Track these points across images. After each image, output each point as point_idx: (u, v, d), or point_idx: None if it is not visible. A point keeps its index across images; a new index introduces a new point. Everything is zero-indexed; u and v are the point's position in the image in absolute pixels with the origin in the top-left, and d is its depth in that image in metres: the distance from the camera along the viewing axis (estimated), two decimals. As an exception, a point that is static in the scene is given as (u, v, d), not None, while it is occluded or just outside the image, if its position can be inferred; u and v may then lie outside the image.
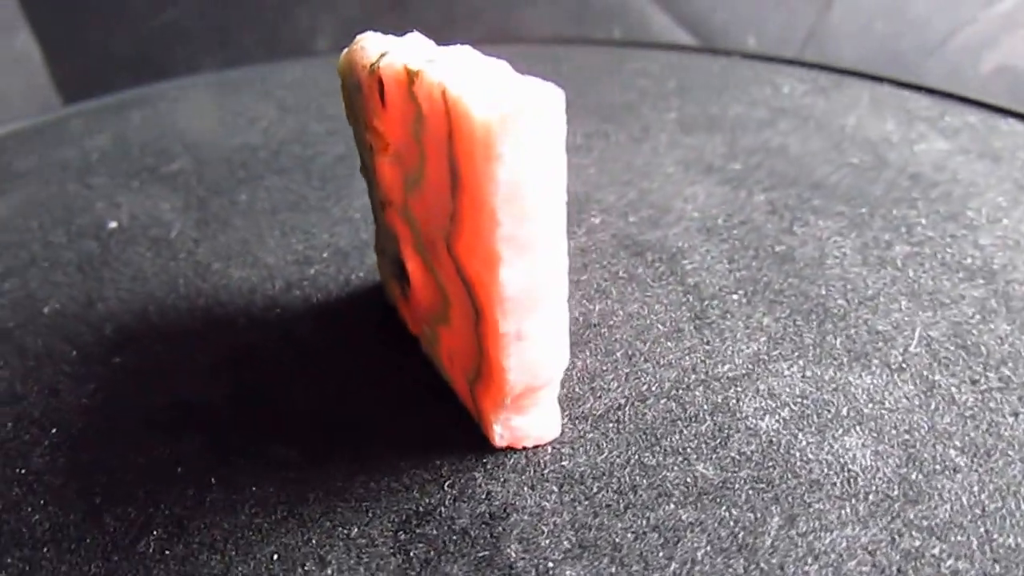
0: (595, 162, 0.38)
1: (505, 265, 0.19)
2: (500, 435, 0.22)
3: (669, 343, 0.26)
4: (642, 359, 0.25)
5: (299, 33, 0.57)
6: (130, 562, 0.19)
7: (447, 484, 0.21)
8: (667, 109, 0.43)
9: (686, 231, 0.32)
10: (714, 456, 0.22)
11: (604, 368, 0.25)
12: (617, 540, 0.20)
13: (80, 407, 0.24)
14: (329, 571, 0.19)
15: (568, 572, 0.19)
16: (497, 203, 0.18)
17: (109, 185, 0.37)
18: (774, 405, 0.23)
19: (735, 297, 0.28)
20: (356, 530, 0.20)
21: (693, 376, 0.25)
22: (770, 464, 0.21)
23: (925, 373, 0.24)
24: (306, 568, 0.19)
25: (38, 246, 0.33)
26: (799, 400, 0.24)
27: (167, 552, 0.20)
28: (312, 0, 0.57)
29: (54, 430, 0.23)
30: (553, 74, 0.22)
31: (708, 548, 0.19)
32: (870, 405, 0.23)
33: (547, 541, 0.20)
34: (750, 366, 0.25)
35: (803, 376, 0.24)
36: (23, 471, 0.22)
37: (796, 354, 0.25)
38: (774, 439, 0.22)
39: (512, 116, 0.17)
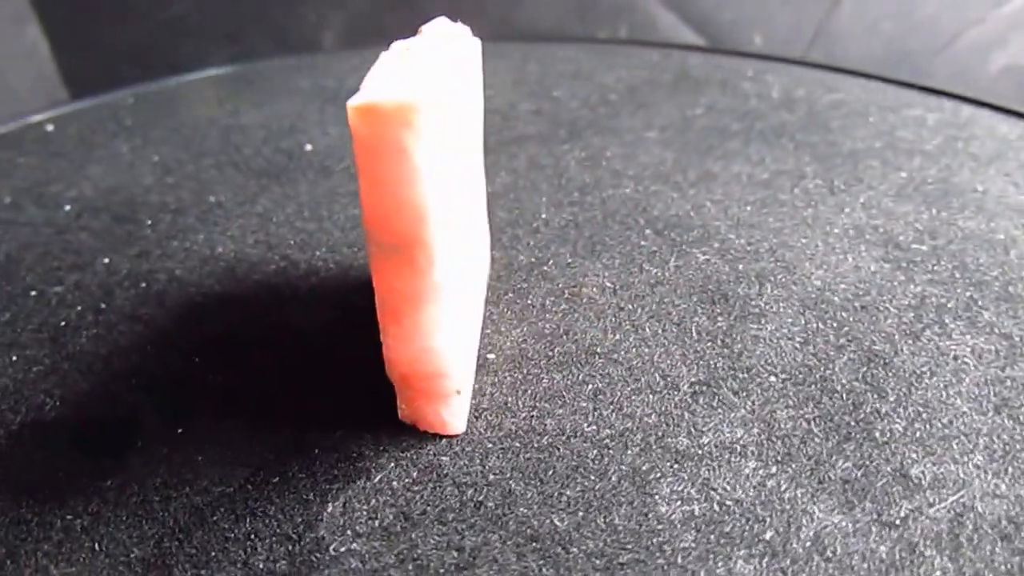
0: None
1: (372, 259, 0.20)
2: (401, 408, 0.23)
3: (651, 395, 0.25)
4: (604, 401, 0.25)
5: (306, 29, 0.57)
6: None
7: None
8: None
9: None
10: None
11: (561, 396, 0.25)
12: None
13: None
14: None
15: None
16: (362, 199, 0.19)
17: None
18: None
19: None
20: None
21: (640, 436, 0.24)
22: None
23: None
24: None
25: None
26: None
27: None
28: None
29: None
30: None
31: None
32: None
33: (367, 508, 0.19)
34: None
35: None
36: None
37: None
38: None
39: (369, 113, 0.18)
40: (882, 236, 0.32)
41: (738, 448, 0.22)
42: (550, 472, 0.22)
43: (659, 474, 0.22)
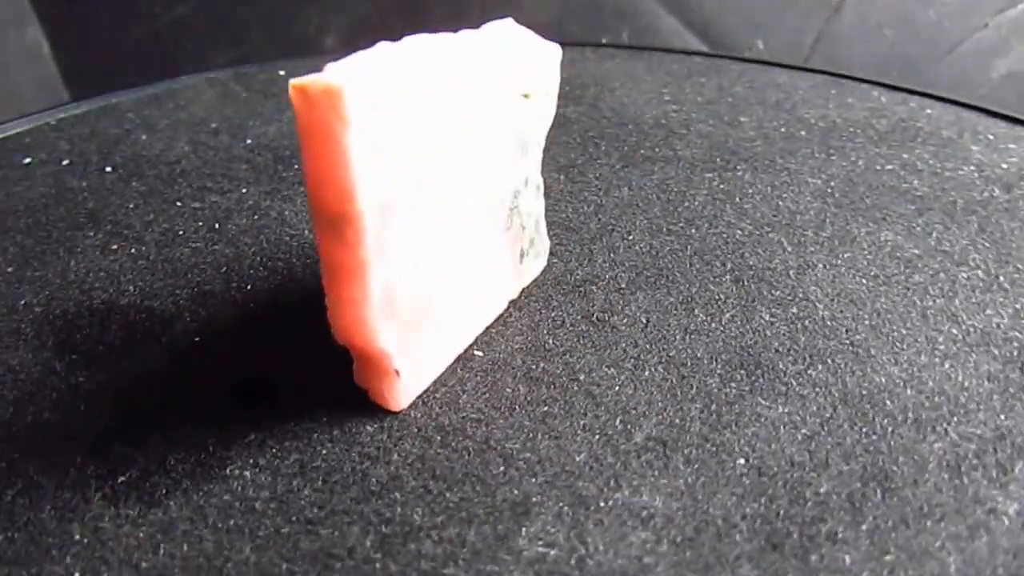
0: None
1: (317, 231, 0.21)
2: (355, 368, 0.24)
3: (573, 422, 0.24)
4: (548, 427, 0.24)
5: (308, 31, 0.58)
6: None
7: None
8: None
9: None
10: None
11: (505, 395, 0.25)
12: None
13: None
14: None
15: None
16: (303, 170, 0.20)
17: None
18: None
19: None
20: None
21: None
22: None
23: None
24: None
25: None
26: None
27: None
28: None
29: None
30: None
31: None
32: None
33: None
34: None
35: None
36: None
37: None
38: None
39: (303, 94, 0.19)
40: (1016, 350, 0.26)
41: (643, 515, 0.21)
42: (446, 473, 0.22)
43: (544, 511, 0.21)
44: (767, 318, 0.28)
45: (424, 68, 0.21)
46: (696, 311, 0.29)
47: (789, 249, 0.32)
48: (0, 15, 0.58)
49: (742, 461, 0.23)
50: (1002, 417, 0.24)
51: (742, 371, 0.26)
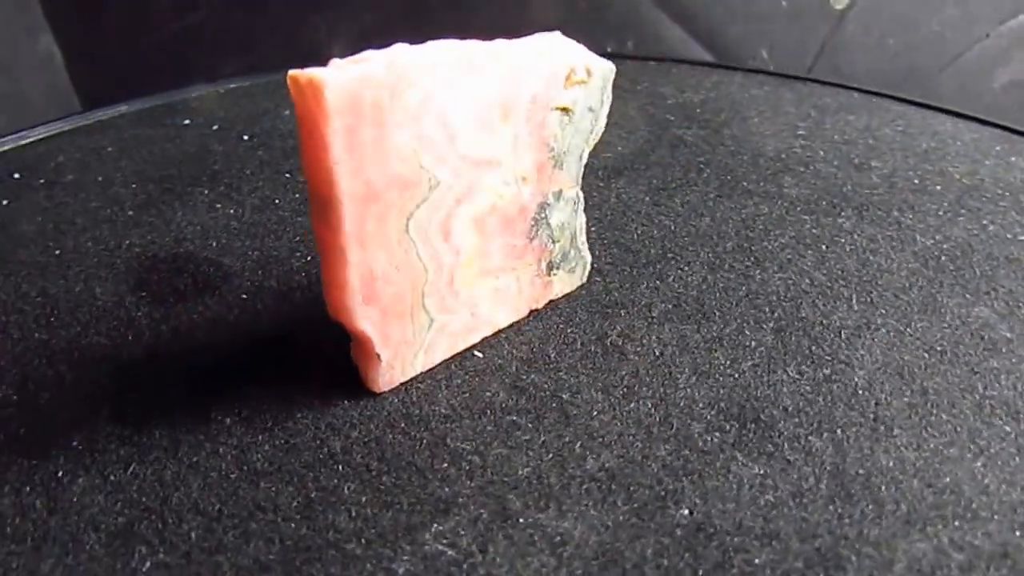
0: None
1: (310, 211, 0.23)
2: (351, 345, 0.25)
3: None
4: (503, 440, 0.24)
5: (317, 40, 0.59)
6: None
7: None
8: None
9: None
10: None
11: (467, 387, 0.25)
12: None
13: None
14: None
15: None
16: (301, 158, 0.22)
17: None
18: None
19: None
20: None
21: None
22: None
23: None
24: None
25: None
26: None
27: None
28: (330, 7, 0.59)
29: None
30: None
31: None
32: None
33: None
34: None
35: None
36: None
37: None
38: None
39: (295, 84, 0.21)
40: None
41: (555, 540, 0.21)
42: (392, 458, 0.23)
43: (462, 514, 0.22)
44: (792, 374, 0.27)
45: (432, 70, 0.23)
46: (717, 353, 0.27)
47: (855, 308, 0.30)
48: (13, 24, 0.59)
49: (685, 512, 0.22)
50: (1017, 534, 0.21)
51: (734, 423, 0.25)
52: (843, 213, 0.36)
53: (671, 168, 0.40)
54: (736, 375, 0.27)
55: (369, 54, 0.22)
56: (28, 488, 0.22)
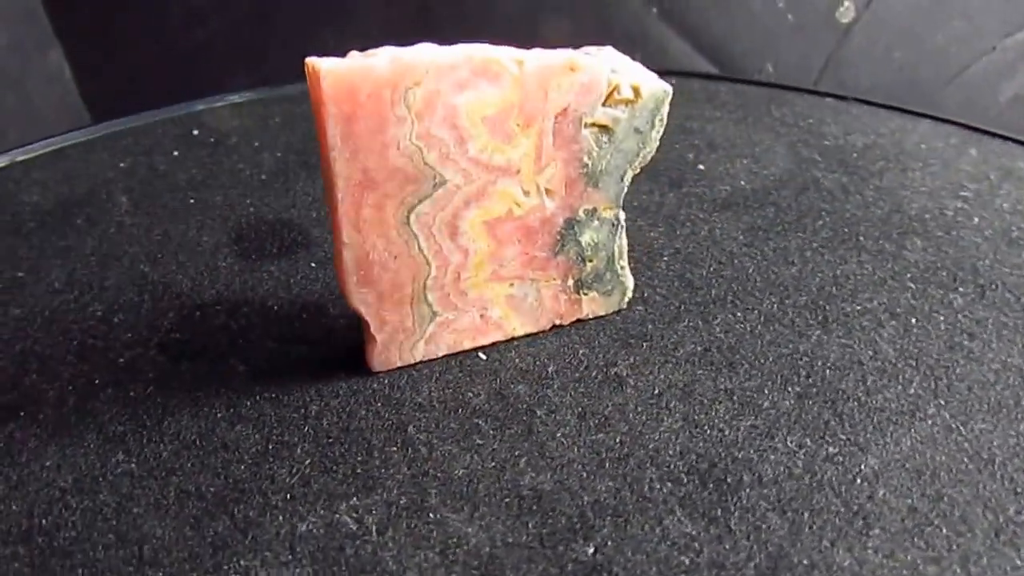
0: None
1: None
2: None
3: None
4: (461, 445, 0.25)
5: (326, 52, 0.56)
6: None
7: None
8: None
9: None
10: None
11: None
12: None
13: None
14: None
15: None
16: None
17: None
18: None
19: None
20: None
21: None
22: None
23: None
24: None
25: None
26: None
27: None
28: (338, 21, 0.61)
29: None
30: None
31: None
32: None
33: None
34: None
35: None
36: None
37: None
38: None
39: (308, 68, 0.23)
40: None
41: (450, 542, 0.21)
42: (341, 432, 0.25)
43: (380, 494, 0.23)
44: (790, 444, 0.25)
45: (442, 71, 0.24)
46: (720, 406, 0.26)
47: (911, 392, 0.27)
48: (23, 39, 0.60)
49: (590, 550, 0.21)
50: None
51: (695, 478, 0.23)
52: (960, 289, 0.32)
53: (786, 211, 0.38)
54: (727, 431, 0.25)
55: (386, 50, 0.24)
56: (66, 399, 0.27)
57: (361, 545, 0.22)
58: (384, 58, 0.23)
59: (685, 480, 0.23)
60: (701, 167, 0.42)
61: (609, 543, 0.22)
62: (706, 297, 0.32)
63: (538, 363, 0.28)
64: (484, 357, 0.28)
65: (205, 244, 0.35)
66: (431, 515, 0.22)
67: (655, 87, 0.27)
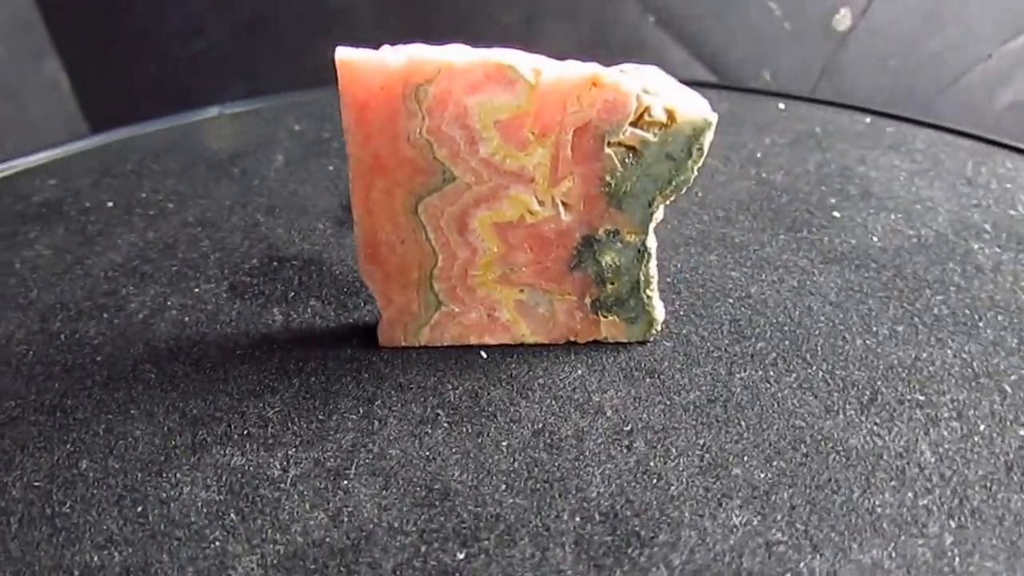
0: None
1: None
2: None
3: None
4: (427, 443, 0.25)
5: (324, 64, 0.50)
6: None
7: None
8: None
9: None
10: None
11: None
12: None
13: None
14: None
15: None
16: None
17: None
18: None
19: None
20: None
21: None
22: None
23: None
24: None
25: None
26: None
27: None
28: (335, 32, 0.61)
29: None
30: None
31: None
32: None
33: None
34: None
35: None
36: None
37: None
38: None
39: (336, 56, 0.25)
40: None
41: (316, 495, 0.23)
42: (318, 391, 0.27)
43: (325, 447, 0.25)
44: (732, 520, 0.23)
45: (455, 73, 0.25)
46: (683, 461, 0.25)
47: (929, 507, 0.23)
48: (21, 50, 0.61)
49: (461, 555, 0.22)
50: None
51: (605, 521, 0.23)
52: (1071, 406, 0.27)
53: (907, 278, 0.33)
54: (675, 487, 0.24)
55: (413, 46, 0.26)
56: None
57: (272, 490, 0.24)
58: (402, 54, 0.25)
59: (597, 520, 0.23)
60: (836, 214, 0.38)
61: (482, 556, 0.22)
62: (748, 349, 0.29)
63: (529, 373, 0.28)
64: (484, 355, 0.29)
65: (318, 207, 0.40)
66: (344, 482, 0.24)
67: (694, 114, 0.26)
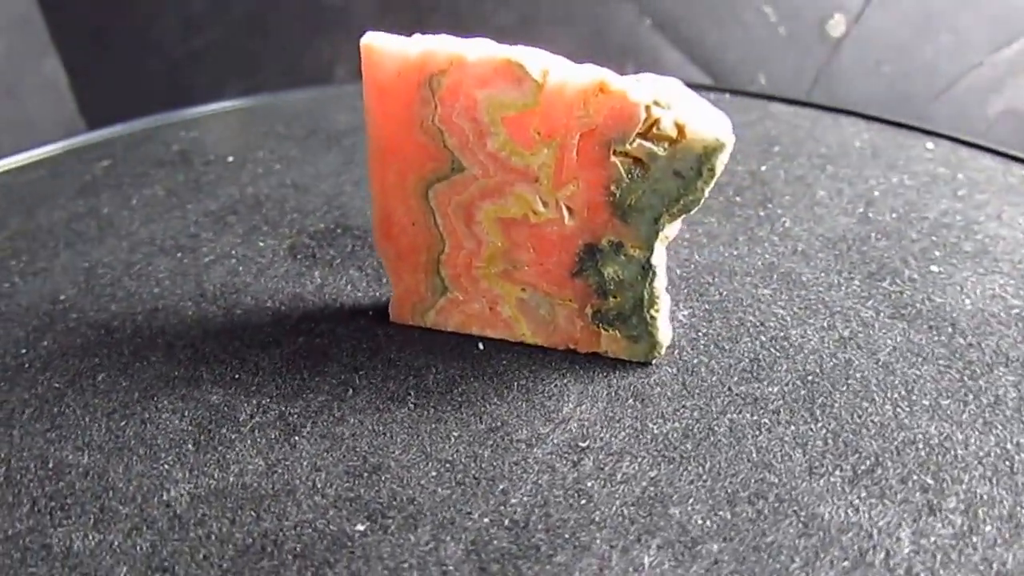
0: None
1: None
2: None
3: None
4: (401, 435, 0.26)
5: (320, 62, 0.62)
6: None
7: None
8: None
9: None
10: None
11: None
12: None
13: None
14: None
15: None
16: None
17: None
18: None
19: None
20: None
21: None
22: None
23: None
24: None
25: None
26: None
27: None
28: (333, 31, 0.63)
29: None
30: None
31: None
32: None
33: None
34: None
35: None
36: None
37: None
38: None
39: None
40: None
41: (314, 466, 0.24)
42: (307, 351, 0.29)
43: (259, 404, 0.26)
44: (618, 566, 0.21)
45: (466, 66, 0.25)
46: (622, 488, 0.23)
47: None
48: (19, 47, 0.61)
49: (361, 527, 0.22)
50: None
51: (509, 527, 0.22)
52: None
53: (987, 349, 0.29)
54: (593, 511, 0.23)
55: (436, 38, 0.26)
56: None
57: (232, 431, 0.26)
58: (422, 43, 0.26)
59: (505, 525, 0.22)
60: (935, 268, 0.34)
61: (379, 533, 0.22)
62: (754, 391, 0.27)
63: (510, 375, 0.28)
64: (480, 348, 0.30)
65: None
66: (295, 438, 0.26)
67: (706, 133, 0.25)
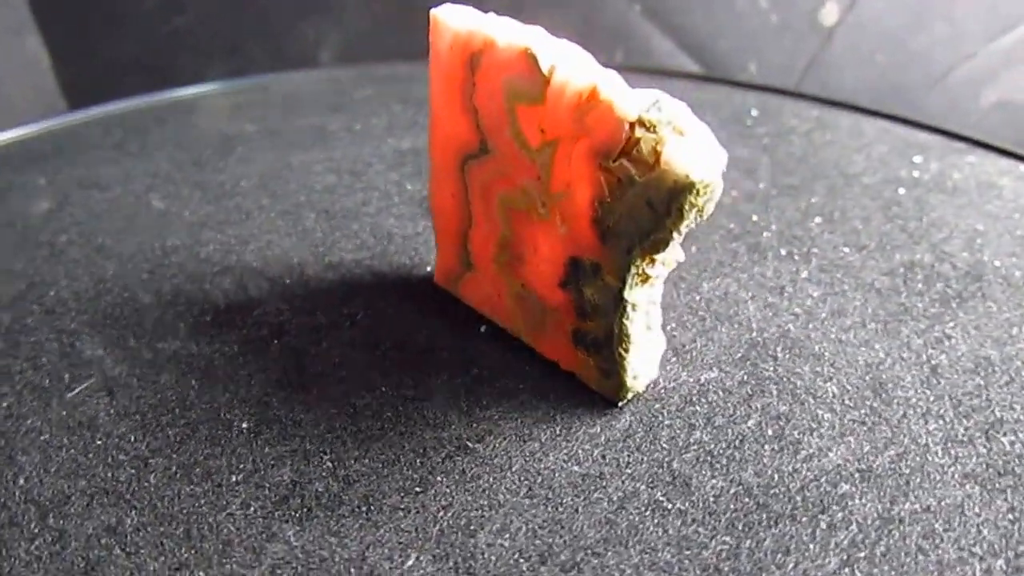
0: None
1: None
2: None
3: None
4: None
5: (305, 45, 0.62)
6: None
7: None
8: None
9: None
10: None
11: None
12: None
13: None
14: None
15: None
16: None
17: None
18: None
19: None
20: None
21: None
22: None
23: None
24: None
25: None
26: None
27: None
28: (318, 13, 0.62)
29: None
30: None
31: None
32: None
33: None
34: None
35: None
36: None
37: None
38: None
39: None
40: None
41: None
42: (329, 303, 0.32)
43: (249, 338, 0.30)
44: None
45: (499, 51, 0.25)
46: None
47: None
48: (1, 25, 0.61)
49: (284, 477, 0.25)
50: None
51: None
52: None
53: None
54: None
55: (491, 18, 0.26)
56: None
57: (223, 366, 0.29)
58: (476, 21, 0.26)
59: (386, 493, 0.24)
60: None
61: (314, 504, 0.24)
62: (733, 451, 0.25)
63: (485, 373, 0.28)
64: (484, 329, 0.30)
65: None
66: (263, 375, 0.28)
67: (680, 166, 0.22)
